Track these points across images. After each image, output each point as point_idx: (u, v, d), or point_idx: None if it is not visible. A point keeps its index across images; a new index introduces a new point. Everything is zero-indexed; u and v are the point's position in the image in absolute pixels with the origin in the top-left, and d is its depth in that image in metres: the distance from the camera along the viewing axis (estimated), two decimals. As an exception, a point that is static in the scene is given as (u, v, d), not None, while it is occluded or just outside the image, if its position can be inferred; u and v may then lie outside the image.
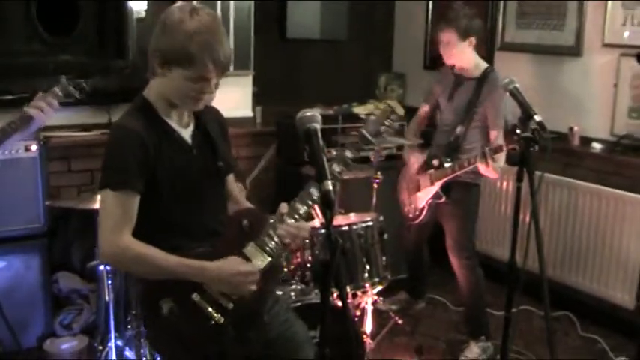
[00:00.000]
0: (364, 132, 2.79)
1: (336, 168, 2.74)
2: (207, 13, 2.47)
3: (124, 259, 2.47)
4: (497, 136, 4.10)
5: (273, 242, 2.57)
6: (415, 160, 4.43)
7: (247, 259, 2.54)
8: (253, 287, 2.51)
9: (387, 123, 2.83)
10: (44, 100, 3.12)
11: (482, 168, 3.94)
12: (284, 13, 5.55)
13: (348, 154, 2.76)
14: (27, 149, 4.02)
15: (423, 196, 4.33)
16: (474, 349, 4.28)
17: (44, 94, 3.15)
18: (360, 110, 5.31)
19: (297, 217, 2.60)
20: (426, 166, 4.30)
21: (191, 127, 2.62)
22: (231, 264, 2.50)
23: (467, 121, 4.17)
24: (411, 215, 4.47)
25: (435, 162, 4.22)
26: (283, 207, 2.61)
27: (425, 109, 4.56)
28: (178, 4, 2.51)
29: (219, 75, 2.47)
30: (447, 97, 4.30)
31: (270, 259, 2.57)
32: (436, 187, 4.22)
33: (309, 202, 2.61)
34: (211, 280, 2.48)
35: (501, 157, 3.93)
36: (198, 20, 2.41)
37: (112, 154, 2.47)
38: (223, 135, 2.77)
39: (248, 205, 2.88)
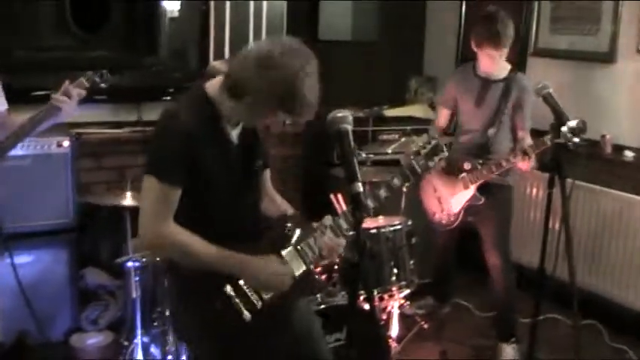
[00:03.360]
0: (415, 164, 2.76)
1: (383, 193, 2.73)
2: (307, 58, 2.42)
3: (166, 246, 2.49)
4: (524, 136, 4.11)
5: (311, 252, 2.60)
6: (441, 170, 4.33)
7: (285, 262, 2.57)
8: (285, 288, 2.55)
9: (436, 159, 2.80)
10: (71, 90, 3.17)
11: (522, 164, 3.92)
12: (316, 14, 5.55)
13: (396, 182, 2.75)
14: (59, 145, 4.06)
15: (458, 201, 4.26)
16: (508, 351, 4.27)
17: (70, 84, 3.20)
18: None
19: (338, 232, 2.63)
20: (456, 171, 4.23)
21: (240, 126, 2.62)
22: (270, 262, 2.54)
23: (497, 123, 4.14)
24: (444, 221, 4.39)
25: (467, 165, 4.15)
26: (327, 219, 2.65)
27: (445, 114, 4.46)
28: (279, 42, 2.44)
29: (297, 121, 2.50)
30: (475, 102, 4.22)
31: (305, 267, 2.61)
32: (472, 189, 4.17)
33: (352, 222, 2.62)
34: (249, 274, 2.51)
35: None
36: (301, 67, 2.36)
37: (162, 142, 2.48)
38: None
39: (281, 200, 2.90)
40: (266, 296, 2.54)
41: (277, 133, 2.64)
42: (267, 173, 2.86)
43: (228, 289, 2.50)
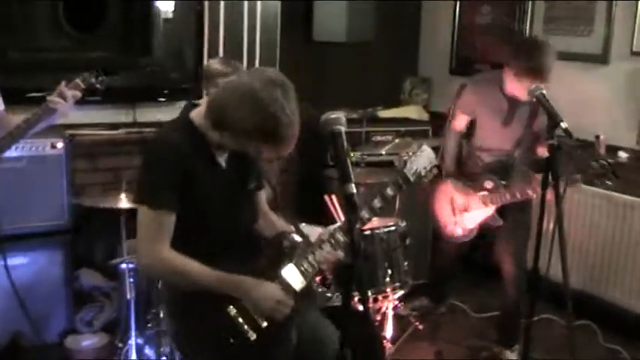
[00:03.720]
0: (407, 173, 2.78)
1: (377, 204, 2.73)
2: (288, 87, 2.44)
3: (163, 272, 2.52)
4: (544, 154, 3.91)
5: (311, 267, 2.61)
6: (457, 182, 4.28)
7: (284, 280, 2.57)
8: (287, 313, 2.54)
9: (429, 168, 2.82)
10: (66, 91, 3.18)
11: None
12: (310, 15, 5.55)
13: (390, 192, 2.75)
14: (53, 146, 4.06)
15: (474, 218, 4.20)
16: (512, 358, 4.28)
17: (66, 85, 3.20)
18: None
19: (335, 245, 2.64)
20: (476, 187, 4.15)
21: (226, 152, 2.63)
22: (269, 289, 2.53)
23: (524, 143, 4.09)
24: (454, 234, 4.32)
25: (489, 184, 4.08)
26: (325, 234, 2.67)
27: (466, 119, 4.31)
28: (262, 74, 2.45)
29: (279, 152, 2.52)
30: (503, 122, 4.08)
31: (305, 282, 2.61)
32: (491, 209, 4.09)
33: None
34: (248, 298, 2.51)
35: None
36: (280, 105, 2.37)
37: (151, 169, 2.50)
38: None
39: (276, 219, 2.91)
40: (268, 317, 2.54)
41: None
42: (262, 194, 2.88)
43: (232, 310, 2.50)
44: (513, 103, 4.02)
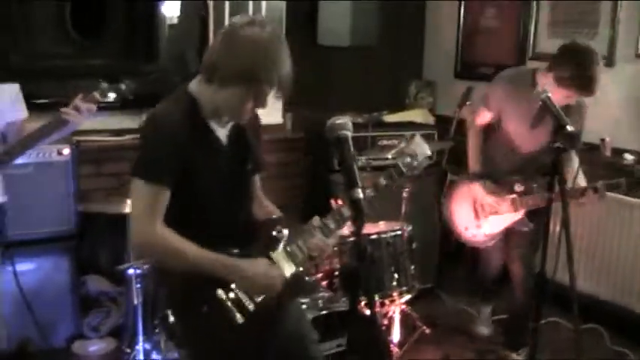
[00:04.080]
0: (401, 166, 2.78)
1: (369, 192, 2.73)
2: (273, 29, 2.46)
3: (156, 248, 2.48)
4: (573, 157, 3.90)
5: (301, 253, 2.61)
6: (480, 184, 4.09)
7: (275, 264, 2.57)
8: (277, 290, 2.54)
9: (420, 160, 2.81)
10: (82, 105, 3.17)
11: (590, 200, 3.77)
12: (315, 19, 5.56)
13: (383, 181, 2.76)
14: (59, 153, 4.07)
15: (500, 222, 4.05)
16: None
17: (83, 97, 3.19)
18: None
19: (327, 233, 2.63)
20: (505, 190, 4.00)
21: (229, 126, 2.63)
22: (260, 265, 2.54)
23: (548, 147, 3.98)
24: (476, 239, 4.18)
25: (519, 187, 3.93)
26: (316, 220, 2.65)
27: (488, 116, 4.07)
28: (244, 17, 2.48)
29: (280, 91, 2.48)
30: (531, 124, 3.89)
31: (295, 268, 2.61)
32: (520, 213, 3.95)
33: (341, 221, 2.63)
34: (240, 278, 2.51)
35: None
36: (267, 38, 2.40)
37: (149, 143, 2.49)
38: (256, 134, 2.78)
39: (270, 204, 2.90)
40: (258, 299, 2.54)
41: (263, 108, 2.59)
42: (257, 177, 2.87)
43: (220, 292, 2.50)
44: (545, 106, 3.61)
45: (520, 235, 4.07)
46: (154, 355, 3.87)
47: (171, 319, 2.52)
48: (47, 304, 4.02)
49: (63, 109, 3.18)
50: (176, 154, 2.44)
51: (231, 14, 4.98)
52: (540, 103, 3.25)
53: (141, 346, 3.81)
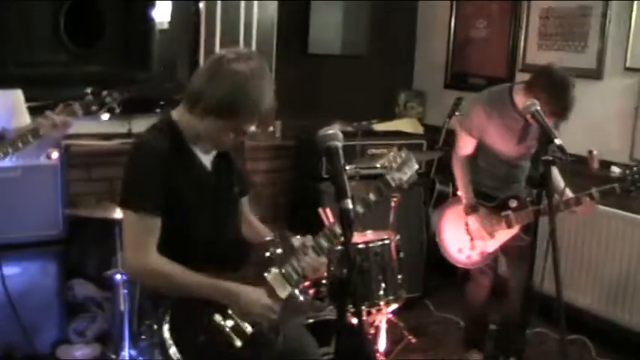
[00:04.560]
0: (390, 180, 2.77)
1: (359, 209, 2.71)
2: (257, 64, 2.45)
3: (150, 277, 2.51)
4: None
5: (295, 274, 2.60)
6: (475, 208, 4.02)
7: (271, 288, 2.57)
8: (274, 318, 2.54)
9: (408, 173, 2.82)
10: (55, 118, 3.10)
11: (585, 209, 3.80)
12: (306, 28, 5.58)
13: (372, 197, 2.75)
14: (48, 157, 4.05)
15: (496, 241, 3.99)
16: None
17: (63, 109, 3.14)
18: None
19: (320, 252, 2.63)
20: (500, 207, 3.95)
21: (213, 153, 2.64)
22: (255, 294, 2.53)
23: (529, 156, 4.02)
24: (471, 260, 4.09)
25: (513, 202, 3.90)
26: (308, 239, 2.65)
27: (473, 143, 4.03)
28: (231, 51, 2.49)
29: (259, 126, 2.50)
30: (517, 140, 3.90)
31: (290, 289, 2.61)
32: (516, 229, 3.91)
33: (333, 240, 2.63)
34: (236, 305, 2.51)
35: None
36: (249, 75, 2.40)
37: (135, 172, 2.50)
38: (241, 156, 2.79)
39: (260, 225, 2.92)
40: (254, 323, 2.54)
41: (247, 143, 2.63)
42: (246, 199, 2.88)
43: (217, 318, 2.50)
44: (528, 122, 3.78)
45: (516, 250, 4.00)
46: (140, 361, 3.86)
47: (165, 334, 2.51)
48: (33, 309, 3.99)
49: (40, 119, 3.11)
50: (162, 180, 2.45)
51: (223, 20, 4.98)
52: (529, 115, 3.27)
53: (127, 352, 3.80)
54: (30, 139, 3.12)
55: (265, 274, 2.59)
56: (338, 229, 2.61)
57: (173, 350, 2.49)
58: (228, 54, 2.46)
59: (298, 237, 2.70)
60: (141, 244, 2.45)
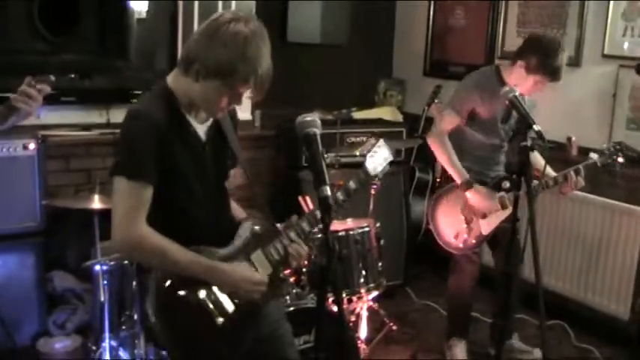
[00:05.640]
0: (368, 168, 2.81)
1: (340, 196, 2.74)
2: (257, 26, 2.43)
3: (139, 249, 2.45)
4: None
5: (278, 256, 2.60)
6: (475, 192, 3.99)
7: (254, 267, 2.57)
8: (258, 296, 2.53)
9: (386, 163, 2.86)
10: (29, 90, 3.01)
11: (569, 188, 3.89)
12: (285, 16, 5.56)
13: (352, 185, 2.77)
14: (25, 147, 4.01)
15: (491, 222, 3.98)
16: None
17: (32, 80, 3.04)
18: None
19: (301, 235, 2.63)
20: (490, 188, 3.97)
21: (207, 123, 2.60)
22: (242, 270, 2.53)
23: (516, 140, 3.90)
24: (468, 244, 4.05)
25: (506, 184, 3.90)
26: (293, 219, 2.65)
27: (456, 122, 4.02)
28: (229, 12, 2.47)
29: (257, 90, 2.44)
30: (501, 119, 3.98)
31: (272, 270, 2.60)
32: (510, 209, 3.77)
33: (314, 223, 2.63)
34: (220, 281, 2.50)
35: None
36: (248, 34, 2.37)
37: (129, 140, 2.44)
38: (234, 128, 2.76)
39: (236, 205, 2.87)
40: (238, 301, 2.53)
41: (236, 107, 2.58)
42: (231, 172, 2.85)
43: (202, 294, 2.48)
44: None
45: (506, 232, 3.87)
46: (121, 352, 3.84)
47: (152, 318, 2.50)
48: (12, 301, 3.96)
49: (12, 96, 3.03)
50: (156, 149, 2.40)
51: (201, 10, 4.96)
52: (507, 102, 3.28)
53: (107, 343, 3.78)
54: (5, 113, 3.05)
55: (250, 254, 2.58)
56: (319, 213, 2.61)
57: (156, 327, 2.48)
58: (227, 15, 2.42)
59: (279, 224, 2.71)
60: (132, 214, 2.40)
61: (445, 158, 4.01)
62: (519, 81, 3.83)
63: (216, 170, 2.64)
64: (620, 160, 3.94)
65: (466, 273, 4.22)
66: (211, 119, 2.60)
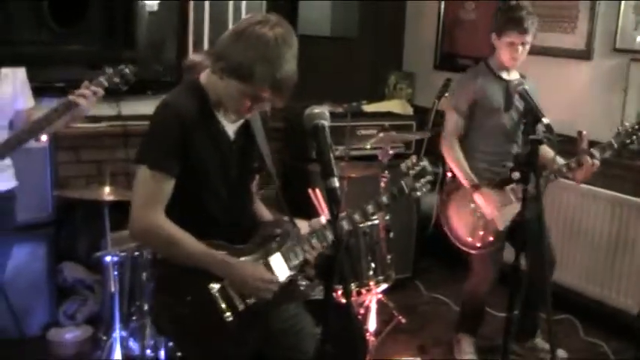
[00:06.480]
0: (404, 185, 2.88)
1: (370, 209, 2.79)
2: (284, 30, 2.43)
3: (155, 237, 2.49)
4: None
5: (297, 260, 2.63)
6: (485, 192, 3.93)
7: (270, 268, 2.58)
8: (269, 295, 2.55)
9: (423, 182, 2.92)
10: (89, 89, 3.13)
11: (583, 173, 3.84)
12: (295, 9, 5.55)
13: (385, 199, 2.83)
14: (37, 139, 4.02)
15: (505, 216, 3.88)
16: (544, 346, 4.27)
17: (89, 82, 3.15)
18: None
19: (322, 241, 2.66)
20: (501, 182, 3.89)
21: (238, 123, 2.62)
22: (253, 267, 2.55)
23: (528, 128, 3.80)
24: (486, 242, 3.96)
25: (516, 175, 3.60)
26: (313, 225, 2.70)
27: (461, 123, 4.03)
28: (258, 15, 2.48)
29: (275, 95, 2.45)
30: (505, 107, 3.95)
31: (290, 273, 2.63)
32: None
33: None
34: (233, 277, 2.51)
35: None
36: (272, 38, 2.37)
37: (156, 130, 2.48)
38: (264, 129, 2.77)
39: (262, 206, 2.90)
40: (249, 300, 2.55)
41: (263, 111, 2.61)
42: (257, 178, 2.89)
43: (215, 288, 2.50)
44: (507, 84, 3.88)
45: (533, 233, 3.74)
46: (131, 343, 3.86)
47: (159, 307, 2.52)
48: (23, 292, 4.00)
49: (70, 96, 3.11)
50: (183, 144, 2.43)
51: (211, 7, 4.97)
52: (517, 95, 3.27)
53: (117, 333, 3.80)
54: (62, 112, 3.11)
55: (269, 254, 2.60)
56: (345, 225, 2.71)
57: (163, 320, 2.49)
58: (257, 16, 2.45)
59: (297, 220, 2.72)
60: (151, 202, 2.43)
61: (453, 163, 4.02)
62: (499, 54, 3.93)
63: (240, 170, 2.66)
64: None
65: (483, 277, 4.15)
66: (241, 120, 2.62)
